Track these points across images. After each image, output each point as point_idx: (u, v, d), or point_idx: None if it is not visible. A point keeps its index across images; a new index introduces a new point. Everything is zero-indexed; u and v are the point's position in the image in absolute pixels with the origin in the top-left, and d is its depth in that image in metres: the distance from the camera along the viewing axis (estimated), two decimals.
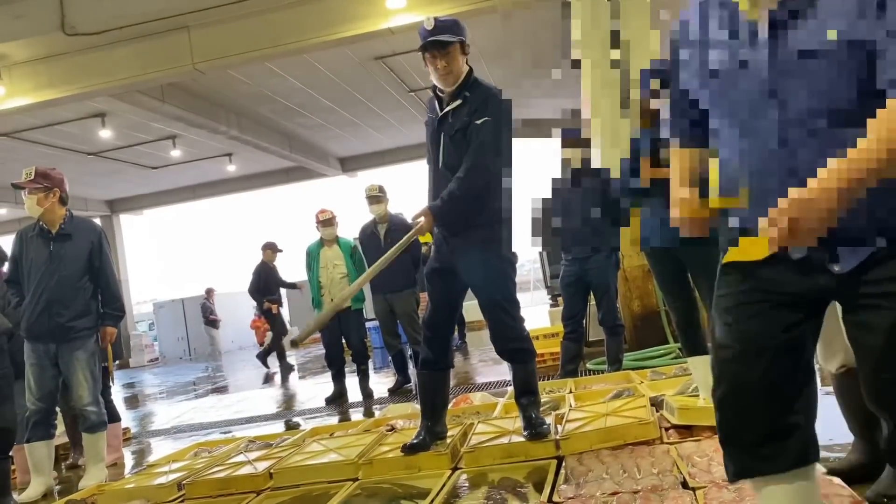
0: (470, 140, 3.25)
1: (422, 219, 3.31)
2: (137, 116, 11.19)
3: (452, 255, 3.36)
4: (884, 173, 1.32)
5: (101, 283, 4.52)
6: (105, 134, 11.82)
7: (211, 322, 17.79)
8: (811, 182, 1.35)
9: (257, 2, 7.30)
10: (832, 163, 1.34)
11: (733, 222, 1.58)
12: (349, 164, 17.04)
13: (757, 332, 1.57)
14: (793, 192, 1.37)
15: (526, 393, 3.40)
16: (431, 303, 3.47)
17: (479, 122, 3.24)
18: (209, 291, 18.44)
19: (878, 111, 1.33)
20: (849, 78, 1.39)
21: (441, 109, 3.35)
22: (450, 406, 4.57)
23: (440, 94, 3.38)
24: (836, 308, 2.12)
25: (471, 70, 3.37)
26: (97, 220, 15.89)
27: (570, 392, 4.47)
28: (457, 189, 3.23)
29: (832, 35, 1.38)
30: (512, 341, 3.38)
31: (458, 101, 3.29)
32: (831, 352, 2.47)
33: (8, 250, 4.68)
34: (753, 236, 1.47)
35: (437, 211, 3.28)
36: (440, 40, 3.23)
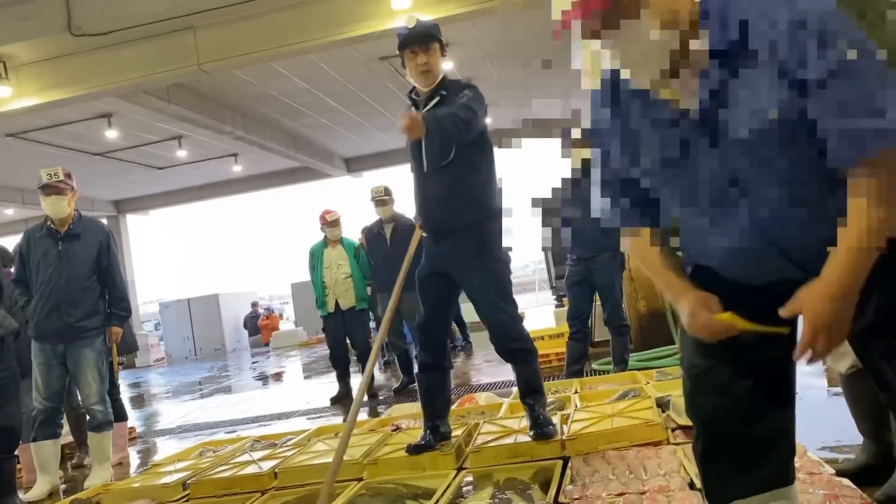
0: None
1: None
2: (143, 117, 11.21)
3: (445, 258, 3.33)
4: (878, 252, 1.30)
5: (108, 284, 4.53)
6: (111, 134, 11.85)
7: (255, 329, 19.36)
8: (820, 287, 1.32)
9: (263, 2, 7.31)
10: (831, 265, 1.32)
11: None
12: (354, 165, 17.05)
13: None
14: (809, 302, 1.33)
15: (531, 392, 3.38)
16: (425, 308, 3.44)
17: (462, 99, 3.21)
18: (255, 304, 20.57)
19: (850, 203, 1.29)
20: (802, 147, 1.33)
21: (419, 110, 3.31)
22: (455, 406, 4.57)
23: (415, 98, 3.39)
24: None
25: (445, 74, 3.39)
26: (103, 220, 15.93)
27: (576, 392, 4.46)
28: (446, 116, 3.13)
29: (773, 115, 1.31)
30: (512, 341, 3.36)
31: (437, 99, 3.29)
32: (840, 352, 2.45)
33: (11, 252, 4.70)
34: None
35: (430, 117, 3.12)
36: (423, 34, 3.25)
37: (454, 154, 3.26)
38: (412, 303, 6.58)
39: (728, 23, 1.33)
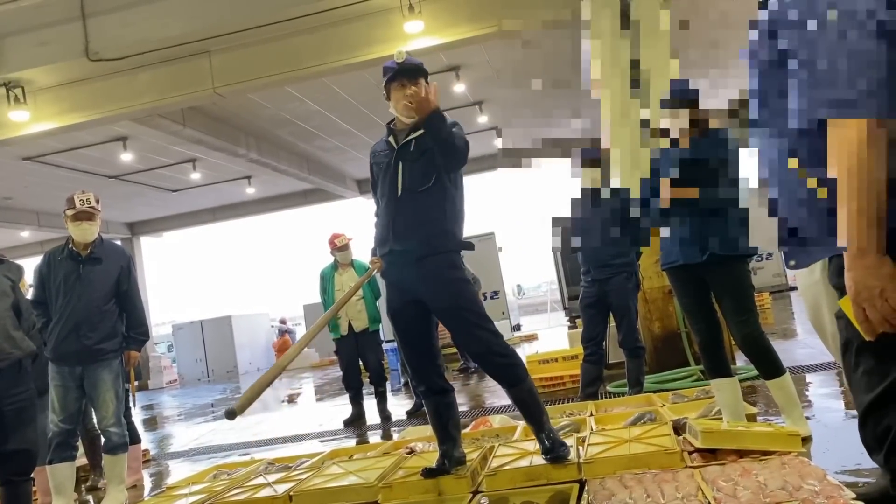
0: (433, 161, 3.31)
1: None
2: (158, 140, 11.35)
3: (415, 284, 3.30)
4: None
5: (127, 308, 4.56)
6: (126, 157, 11.99)
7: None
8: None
9: (277, 27, 7.40)
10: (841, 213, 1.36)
11: None
12: (366, 186, 17.13)
13: None
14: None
15: (533, 416, 3.31)
16: (406, 342, 3.42)
17: (453, 128, 3.33)
18: (283, 320, 21.34)
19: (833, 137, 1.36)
20: None
21: (398, 142, 3.40)
22: (469, 429, 4.55)
23: (393, 129, 3.46)
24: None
25: None
26: (118, 242, 16.06)
27: (591, 415, 4.42)
28: (454, 125, 3.29)
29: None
30: (500, 356, 3.28)
31: (421, 131, 3.35)
32: None
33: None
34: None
35: (439, 113, 3.26)
36: (411, 69, 3.37)
37: (433, 180, 3.31)
38: None
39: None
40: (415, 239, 3.29)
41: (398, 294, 3.39)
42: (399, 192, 3.34)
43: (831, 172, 1.36)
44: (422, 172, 3.31)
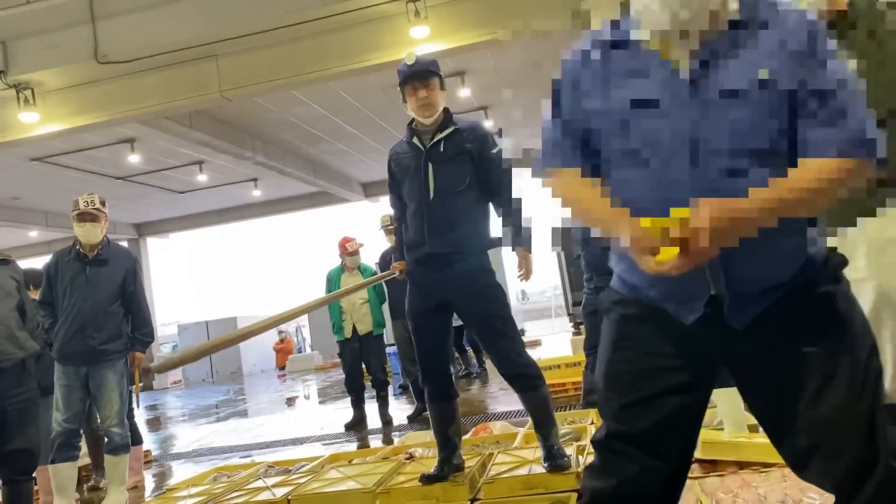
0: (472, 163, 3.33)
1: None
2: (165, 142, 11.39)
3: (444, 286, 3.31)
4: (799, 210, 1.41)
5: (133, 309, 4.58)
6: (134, 159, 12.04)
7: None
8: (731, 201, 1.37)
9: (284, 31, 7.43)
10: (754, 192, 1.38)
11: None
12: (372, 189, 17.17)
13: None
14: (710, 200, 1.37)
15: (543, 422, 3.34)
16: (426, 344, 3.43)
17: (493, 151, 3.34)
18: None
19: (807, 161, 1.39)
20: (772, 117, 1.42)
21: (424, 142, 3.37)
22: (469, 435, 4.55)
23: (417, 129, 3.42)
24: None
25: (446, 107, 3.46)
26: (124, 243, 16.13)
27: (592, 423, 4.41)
28: (514, 211, 3.30)
29: (763, 74, 1.40)
30: (521, 366, 3.31)
31: (450, 129, 3.35)
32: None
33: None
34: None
35: (525, 241, 3.33)
36: (422, 71, 3.34)
37: (467, 182, 3.31)
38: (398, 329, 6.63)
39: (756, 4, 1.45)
40: (450, 241, 3.29)
41: (424, 295, 3.39)
42: (431, 195, 3.31)
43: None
44: (455, 174, 3.30)
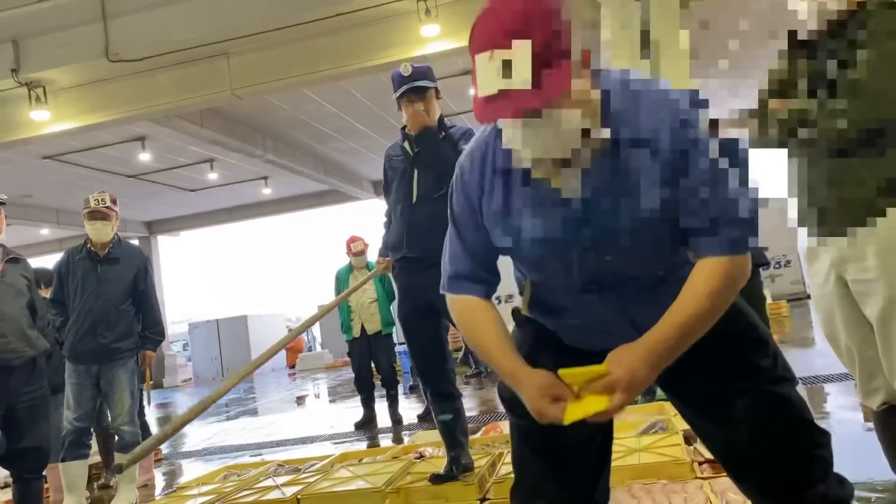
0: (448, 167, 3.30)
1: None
2: (176, 140, 11.44)
3: (425, 289, 3.24)
4: (707, 323, 1.44)
5: (143, 308, 4.60)
6: (144, 157, 12.10)
7: None
8: (642, 350, 1.40)
9: (295, 30, 7.44)
10: (662, 324, 1.41)
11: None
12: (381, 188, 17.17)
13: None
14: (633, 347, 1.40)
15: None
16: (417, 347, 3.44)
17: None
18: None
19: (691, 277, 1.44)
20: (656, 220, 1.44)
21: (413, 148, 3.41)
22: (479, 435, 4.54)
23: (408, 134, 3.46)
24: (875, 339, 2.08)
25: (441, 115, 3.50)
26: (135, 241, 16.21)
27: None
28: None
29: (654, 204, 1.42)
30: None
31: (440, 136, 3.38)
32: (872, 388, 2.39)
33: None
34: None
35: None
36: (418, 86, 3.37)
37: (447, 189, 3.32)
38: None
39: (622, 121, 1.42)
40: (429, 245, 3.29)
41: (410, 299, 3.40)
42: (414, 199, 3.36)
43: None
44: (436, 179, 3.31)
